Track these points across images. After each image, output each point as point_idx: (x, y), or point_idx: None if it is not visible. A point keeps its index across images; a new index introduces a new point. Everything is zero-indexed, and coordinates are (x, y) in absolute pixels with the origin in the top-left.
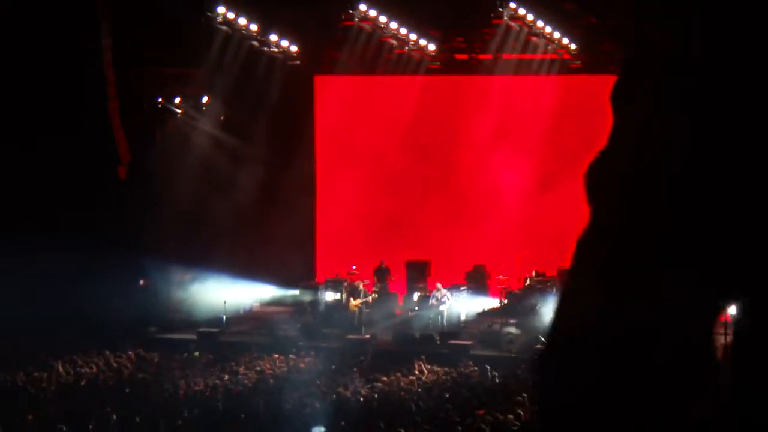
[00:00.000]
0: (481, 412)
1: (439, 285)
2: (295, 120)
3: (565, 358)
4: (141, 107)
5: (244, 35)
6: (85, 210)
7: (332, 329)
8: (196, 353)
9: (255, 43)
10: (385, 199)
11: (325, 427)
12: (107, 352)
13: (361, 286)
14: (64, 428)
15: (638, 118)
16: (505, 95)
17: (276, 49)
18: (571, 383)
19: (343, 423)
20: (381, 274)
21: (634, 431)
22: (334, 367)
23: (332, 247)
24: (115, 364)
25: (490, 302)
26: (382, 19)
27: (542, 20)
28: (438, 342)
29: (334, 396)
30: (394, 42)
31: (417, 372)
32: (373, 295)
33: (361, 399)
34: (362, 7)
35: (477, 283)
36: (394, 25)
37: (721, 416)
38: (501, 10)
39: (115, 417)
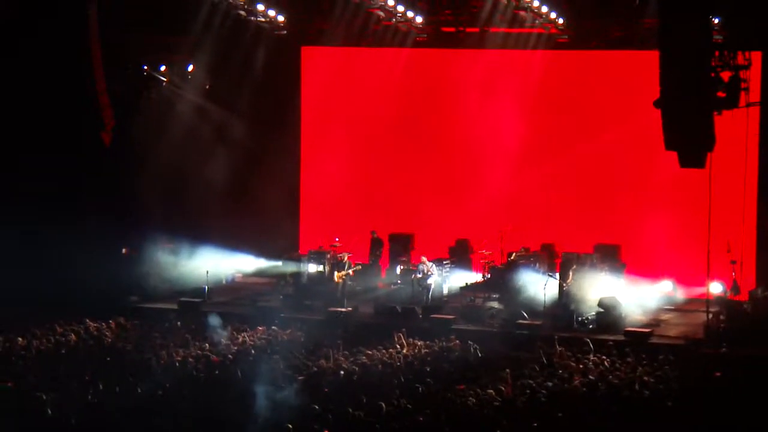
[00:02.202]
0: (462, 386)
1: (424, 258)
2: (280, 90)
3: None
4: (126, 74)
5: (231, 4)
6: (68, 177)
7: (314, 301)
8: (178, 323)
9: (242, 12)
10: (370, 172)
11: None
12: (87, 320)
13: (345, 259)
14: (44, 396)
15: None
16: (492, 69)
17: (263, 19)
18: None
19: (323, 395)
20: (375, 244)
21: None
22: (315, 339)
23: (316, 219)
24: (95, 332)
25: (473, 277)
26: None
27: None
28: (420, 316)
29: (315, 368)
30: (381, 14)
31: (398, 345)
32: (356, 267)
33: (342, 372)
34: None
35: (460, 257)
36: None
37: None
38: None
39: (100, 386)
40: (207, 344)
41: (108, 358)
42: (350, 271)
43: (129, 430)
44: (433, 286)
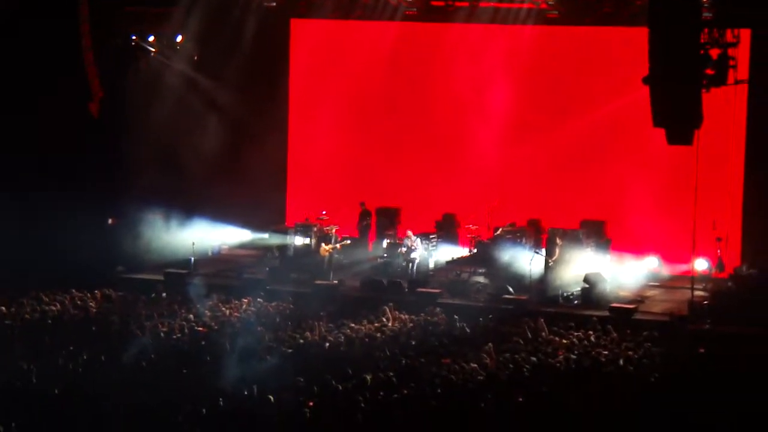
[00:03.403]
0: (446, 360)
1: (410, 233)
2: (269, 62)
3: None
4: (115, 45)
5: None
6: (55, 146)
7: (301, 274)
8: (163, 294)
9: None
10: (358, 145)
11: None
12: (73, 290)
13: (333, 232)
14: (30, 366)
15: None
16: (482, 44)
17: None
18: None
19: (308, 367)
20: (364, 216)
21: None
22: (301, 311)
23: (303, 192)
24: (80, 303)
25: (460, 251)
26: None
27: None
28: (406, 290)
29: (301, 340)
30: None
31: (384, 319)
32: (345, 242)
33: (328, 344)
34: None
35: (447, 231)
36: None
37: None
38: None
39: (84, 356)
40: (192, 315)
41: (93, 329)
42: (338, 245)
43: (113, 400)
44: (418, 261)
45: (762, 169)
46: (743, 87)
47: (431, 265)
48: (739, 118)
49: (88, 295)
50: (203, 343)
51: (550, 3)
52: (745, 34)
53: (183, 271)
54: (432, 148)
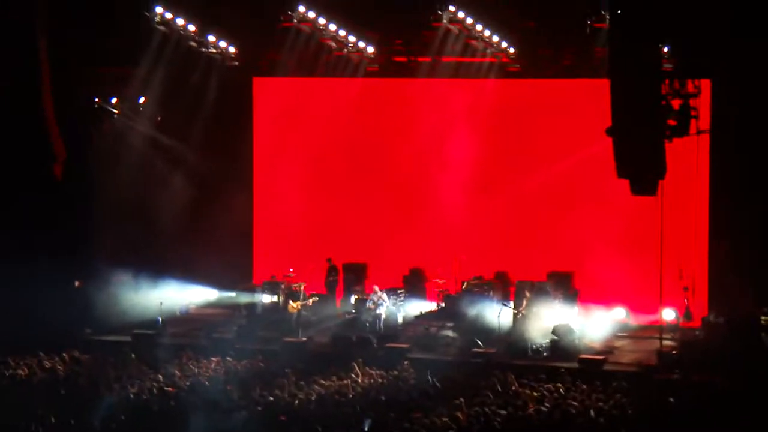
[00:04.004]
0: (418, 414)
1: (376, 288)
2: (233, 121)
3: None
4: (77, 107)
5: (183, 35)
6: (19, 209)
7: (269, 332)
8: (132, 355)
9: (193, 43)
10: (324, 202)
11: (262, 429)
12: (41, 354)
13: (301, 288)
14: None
15: None
16: (444, 98)
17: (214, 50)
18: None
19: (279, 425)
20: (331, 272)
21: None
22: (270, 369)
23: (270, 249)
24: (48, 365)
25: (428, 305)
26: (321, 20)
27: (481, 24)
28: (375, 345)
29: (271, 398)
30: (333, 44)
31: (353, 375)
32: (313, 298)
33: (297, 402)
34: (301, 8)
35: (414, 286)
36: (333, 26)
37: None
38: (440, 13)
39: (52, 419)
40: (161, 376)
41: (61, 392)
42: (309, 302)
43: None
44: (384, 316)
45: (726, 217)
46: (705, 137)
47: (400, 320)
48: (703, 167)
49: (56, 358)
50: (172, 403)
51: (512, 57)
52: (706, 85)
53: (151, 332)
54: (397, 202)
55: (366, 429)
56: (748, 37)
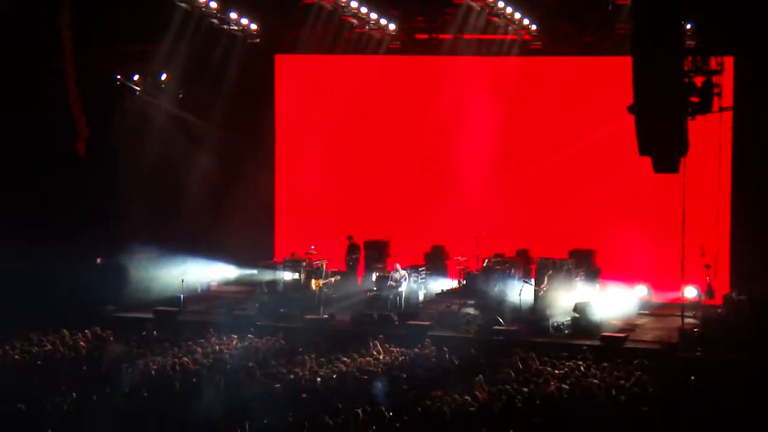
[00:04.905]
0: (439, 392)
1: (397, 266)
2: (254, 99)
3: None
4: (100, 84)
5: (204, 13)
6: (43, 187)
7: (290, 309)
8: (154, 332)
9: (215, 20)
10: (345, 179)
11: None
12: (64, 330)
13: (323, 266)
14: (23, 407)
15: None
16: (466, 76)
17: (236, 27)
18: None
19: (300, 403)
20: (352, 250)
21: None
22: (292, 347)
23: (291, 227)
24: (71, 342)
25: (449, 283)
26: None
27: (503, 0)
28: (396, 323)
29: (292, 376)
30: (354, 21)
31: (375, 352)
32: (335, 276)
33: (319, 379)
34: None
35: (436, 263)
36: (354, 4)
37: None
38: None
39: (73, 395)
40: (182, 353)
41: (84, 368)
42: (331, 280)
43: None
44: (405, 293)
45: (748, 194)
46: (728, 114)
47: (421, 298)
48: (725, 145)
49: (79, 335)
50: (194, 380)
51: (533, 34)
52: (729, 62)
53: (173, 309)
54: (419, 180)
55: (378, 392)
56: None
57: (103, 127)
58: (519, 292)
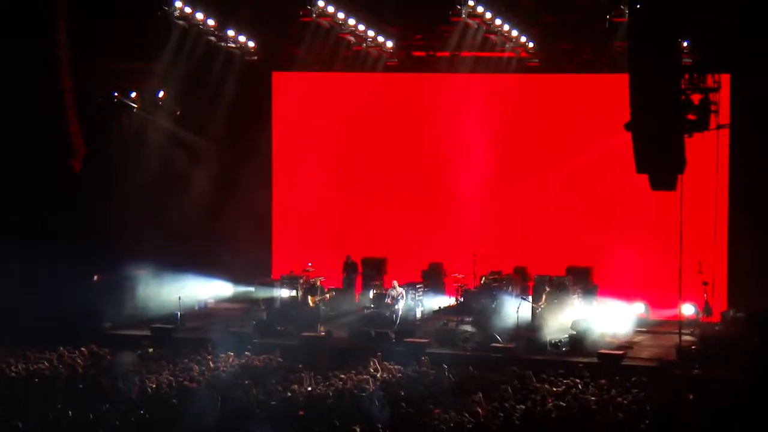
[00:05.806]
0: (437, 410)
1: (395, 283)
2: (252, 116)
3: None
4: (97, 101)
5: (202, 30)
6: (40, 204)
7: (287, 326)
8: (150, 349)
9: (212, 38)
10: (342, 196)
11: (280, 424)
12: (60, 348)
13: (318, 283)
14: (20, 425)
15: None
16: (463, 93)
17: (233, 45)
18: None
19: (297, 420)
20: (349, 268)
21: None
22: (289, 364)
23: (288, 244)
24: (68, 360)
25: (447, 300)
26: (340, 15)
27: (500, 18)
28: (393, 340)
29: (289, 393)
30: (352, 39)
31: (372, 370)
32: (331, 293)
33: (316, 397)
34: (320, 2)
35: (433, 281)
36: (352, 21)
37: None
38: (459, 7)
39: (69, 414)
40: (179, 370)
41: (80, 386)
42: (326, 296)
43: None
44: (402, 311)
45: (746, 212)
46: (725, 131)
47: (418, 315)
48: (722, 162)
49: (76, 352)
50: (191, 397)
51: (530, 52)
52: (726, 79)
53: (169, 326)
54: (416, 197)
55: (376, 408)
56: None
57: (100, 144)
58: (516, 309)
